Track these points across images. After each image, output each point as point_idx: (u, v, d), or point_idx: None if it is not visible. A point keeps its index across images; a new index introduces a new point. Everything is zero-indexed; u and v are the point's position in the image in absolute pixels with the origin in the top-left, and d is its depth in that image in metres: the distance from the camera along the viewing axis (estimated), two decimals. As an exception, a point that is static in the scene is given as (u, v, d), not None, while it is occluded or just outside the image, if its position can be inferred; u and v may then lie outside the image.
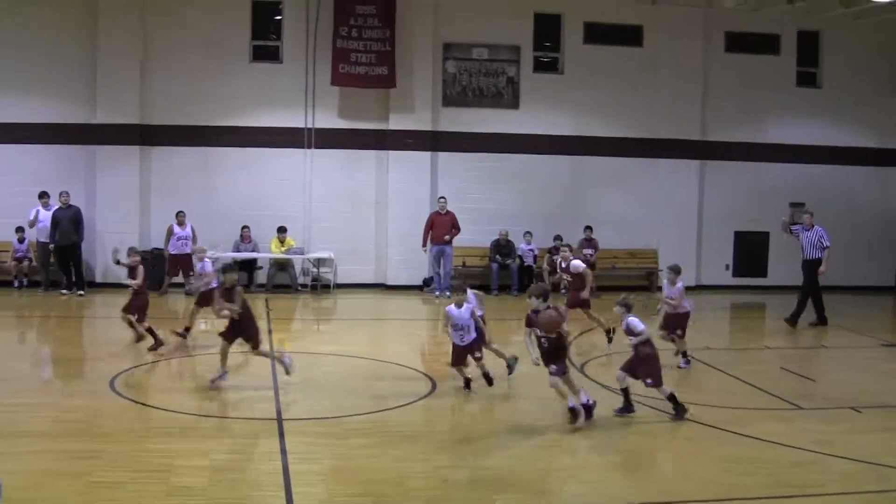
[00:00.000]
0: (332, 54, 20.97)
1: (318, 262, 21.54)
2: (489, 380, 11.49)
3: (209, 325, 14.80)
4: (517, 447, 9.26)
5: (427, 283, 21.75)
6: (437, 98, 22.06)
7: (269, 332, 16.07)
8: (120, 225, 20.25)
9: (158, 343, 13.68)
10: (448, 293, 19.85)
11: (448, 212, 21.14)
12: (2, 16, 20.37)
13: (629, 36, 22.79)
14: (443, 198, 21.33)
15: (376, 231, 22.00)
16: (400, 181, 21.77)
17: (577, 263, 14.78)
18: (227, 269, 12.19)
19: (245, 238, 21.07)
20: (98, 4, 20.41)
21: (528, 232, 22.02)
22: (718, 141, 23.17)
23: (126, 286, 14.33)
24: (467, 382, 11.47)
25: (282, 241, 21.11)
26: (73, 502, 7.31)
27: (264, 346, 11.82)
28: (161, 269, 20.23)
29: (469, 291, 11.76)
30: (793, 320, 17.65)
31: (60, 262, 19.77)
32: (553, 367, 9.75)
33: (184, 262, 19.68)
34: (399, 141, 21.69)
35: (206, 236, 20.42)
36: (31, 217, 19.84)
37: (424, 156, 21.92)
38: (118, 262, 14.76)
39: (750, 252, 23.58)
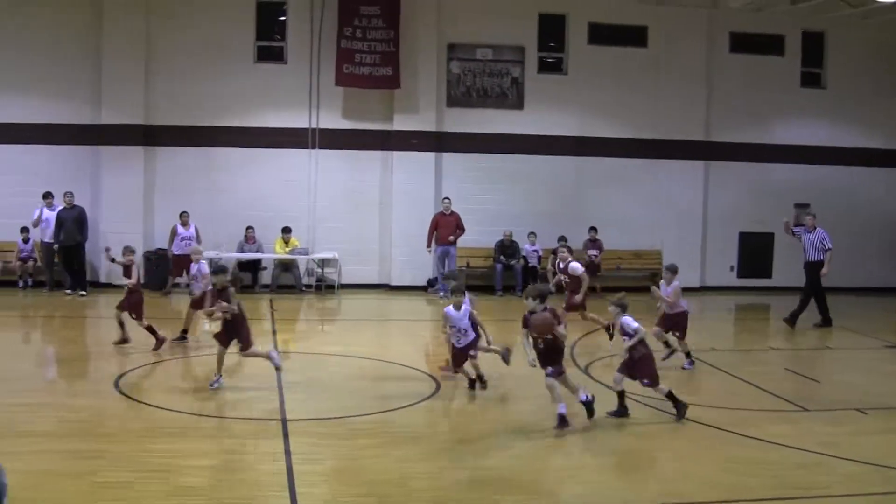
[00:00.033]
0: (337, 55, 20.97)
1: (323, 263, 21.54)
2: (483, 382, 11.50)
3: (214, 325, 14.77)
4: (520, 448, 9.25)
5: (431, 283, 21.75)
6: (442, 98, 22.05)
7: (274, 332, 16.10)
8: (124, 225, 20.26)
9: (160, 341, 13.68)
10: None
11: (452, 212, 21.15)
12: (6, 17, 20.40)
13: (634, 36, 22.75)
14: (447, 198, 21.33)
15: (380, 231, 22.00)
16: (404, 181, 21.77)
17: (576, 266, 14.65)
18: (218, 270, 12.06)
19: (249, 238, 21.08)
20: (102, 5, 20.43)
21: (532, 233, 22.00)
22: (723, 142, 23.13)
23: (121, 285, 14.32)
24: (472, 383, 11.48)
25: (286, 242, 21.11)
26: (77, 502, 7.32)
27: (255, 347, 11.72)
28: (165, 269, 20.25)
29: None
30: (792, 320, 17.62)
31: (65, 262, 19.81)
32: (550, 368, 9.71)
33: (187, 263, 19.46)
34: (403, 141, 21.69)
35: (211, 237, 20.47)
36: (35, 217, 19.88)
37: (428, 156, 21.92)
38: (113, 260, 14.74)
39: (755, 253, 23.53)
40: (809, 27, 23.47)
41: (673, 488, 8.12)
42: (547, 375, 9.72)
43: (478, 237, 21.80)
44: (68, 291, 19.58)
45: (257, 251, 21.18)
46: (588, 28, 22.60)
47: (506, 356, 11.82)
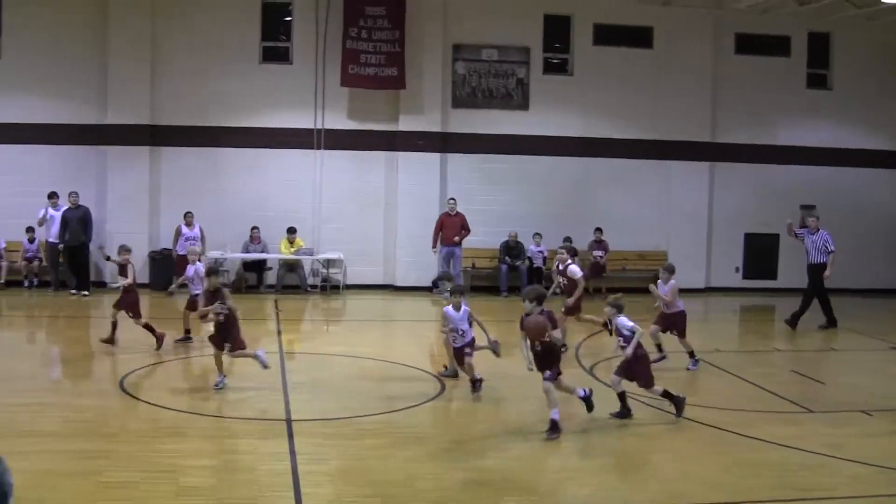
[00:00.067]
0: (342, 55, 20.98)
1: (328, 263, 21.57)
2: (475, 386, 11.47)
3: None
4: (524, 448, 9.26)
5: (436, 284, 21.74)
6: (447, 99, 22.06)
7: (279, 332, 16.13)
8: (130, 225, 20.32)
9: (159, 338, 13.72)
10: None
11: (458, 213, 21.16)
12: (13, 17, 20.45)
13: (639, 37, 22.75)
14: (453, 199, 21.34)
15: (385, 232, 22.01)
16: (409, 182, 21.78)
17: (574, 269, 14.46)
18: (210, 272, 12.03)
19: (254, 239, 21.10)
20: (108, 6, 20.48)
21: (537, 233, 21.98)
22: (728, 143, 23.11)
23: (117, 285, 14.33)
24: (475, 383, 11.48)
25: (291, 242, 21.13)
26: (82, 502, 7.34)
27: (248, 349, 11.71)
28: (170, 269, 20.26)
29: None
30: (793, 322, 17.56)
31: (70, 262, 19.85)
32: (548, 373, 9.59)
33: (199, 263, 19.67)
34: (408, 142, 21.71)
35: (216, 237, 20.50)
36: (40, 216, 19.92)
37: (434, 157, 21.93)
38: (108, 259, 14.74)
39: (760, 254, 23.50)
40: (815, 28, 23.44)
41: (675, 489, 8.11)
42: (544, 380, 9.60)
43: (483, 238, 21.81)
44: (73, 292, 19.62)
45: (262, 251, 21.20)
46: (593, 29, 22.60)
47: (495, 348, 11.81)
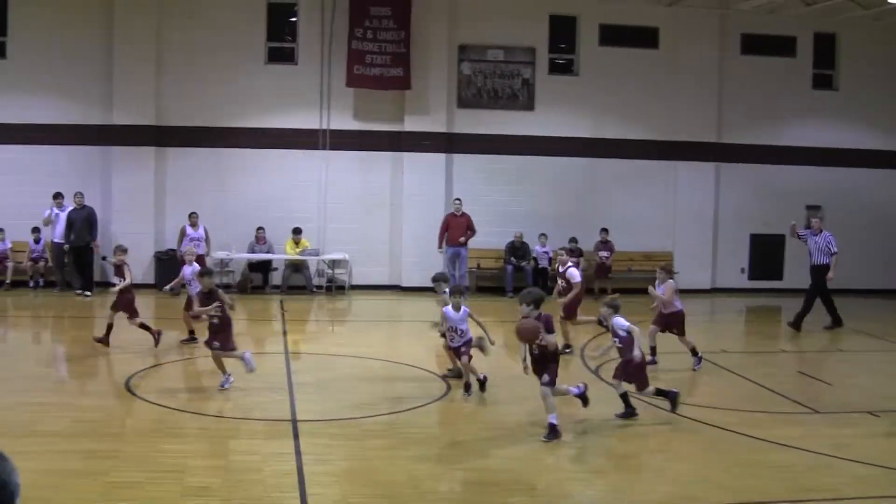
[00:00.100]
0: (347, 56, 20.99)
1: (333, 264, 21.57)
2: (469, 389, 11.44)
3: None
4: (530, 449, 9.24)
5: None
6: (452, 100, 22.06)
7: (284, 333, 16.13)
8: (135, 226, 20.35)
9: (156, 336, 13.74)
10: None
11: (464, 213, 21.15)
12: (18, 17, 20.49)
13: (645, 38, 22.72)
14: (458, 199, 21.33)
15: (391, 232, 22.01)
16: (415, 183, 21.78)
17: (573, 272, 14.37)
18: (204, 273, 12.02)
19: (260, 239, 21.12)
20: (114, 6, 20.49)
21: (543, 234, 21.96)
22: (734, 143, 23.07)
23: (113, 284, 14.34)
24: (480, 384, 11.48)
25: (296, 243, 21.14)
26: (89, 502, 7.35)
27: (240, 349, 11.69)
28: (175, 270, 20.24)
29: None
30: (796, 323, 17.47)
31: (76, 262, 19.88)
32: (545, 377, 9.50)
33: (196, 263, 19.67)
34: (414, 142, 21.71)
35: (221, 237, 20.52)
36: (46, 217, 19.96)
37: (439, 157, 21.92)
38: (104, 259, 14.74)
39: (766, 255, 23.46)
40: (821, 29, 23.40)
41: (679, 490, 8.10)
42: (542, 384, 9.52)
43: (488, 238, 21.78)
44: (78, 292, 19.65)
45: (268, 252, 21.21)
46: (599, 29, 22.57)
47: (481, 345, 11.75)
